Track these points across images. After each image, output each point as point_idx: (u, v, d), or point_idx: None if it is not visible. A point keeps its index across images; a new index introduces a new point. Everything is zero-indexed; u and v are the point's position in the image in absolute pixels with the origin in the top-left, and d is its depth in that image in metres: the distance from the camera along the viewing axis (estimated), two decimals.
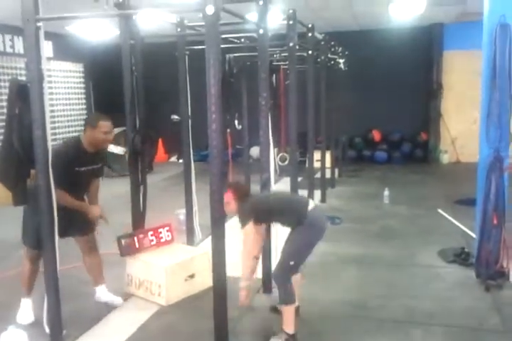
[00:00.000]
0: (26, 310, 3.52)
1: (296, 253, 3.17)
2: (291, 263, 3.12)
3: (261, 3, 3.57)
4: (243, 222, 3.14)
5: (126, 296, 3.86)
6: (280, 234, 3.88)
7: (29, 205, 3.27)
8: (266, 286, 3.88)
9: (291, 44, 4.56)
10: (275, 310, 3.43)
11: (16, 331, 2.92)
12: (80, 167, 3.47)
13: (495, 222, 3.94)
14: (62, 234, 3.33)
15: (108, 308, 3.67)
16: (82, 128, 3.58)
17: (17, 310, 3.53)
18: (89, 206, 3.58)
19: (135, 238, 3.94)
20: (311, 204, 3.24)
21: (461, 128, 10.17)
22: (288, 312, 3.13)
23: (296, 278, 3.30)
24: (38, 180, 2.83)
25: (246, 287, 3.17)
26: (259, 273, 3.91)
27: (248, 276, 3.18)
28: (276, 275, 3.18)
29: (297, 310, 3.34)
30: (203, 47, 2.56)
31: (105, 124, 3.48)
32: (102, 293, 3.76)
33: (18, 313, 3.50)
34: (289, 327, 3.11)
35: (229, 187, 3.24)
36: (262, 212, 3.20)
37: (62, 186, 3.23)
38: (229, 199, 3.18)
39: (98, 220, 3.63)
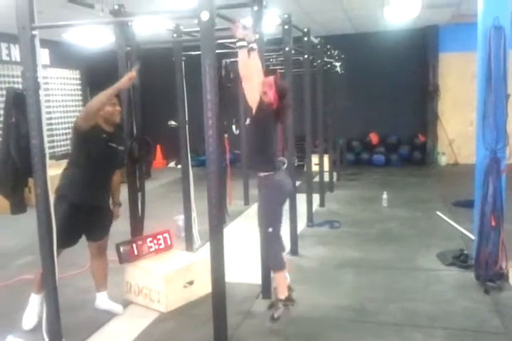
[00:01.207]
0: (33, 308, 3.50)
1: (269, 220, 3.30)
2: (270, 229, 3.26)
3: (256, 8, 3.59)
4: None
5: (126, 303, 3.85)
6: None
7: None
8: (265, 292, 3.87)
9: (287, 48, 4.58)
10: (272, 305, 3.47)
11: (15, 340, 2.91)
12: (109, 142, 3.49)
13: (493, 223, 3.95)
14: (86, 238, 3.61)
15: (107, 316, 3.66)
16: None
17: (15, 320, 3.51)
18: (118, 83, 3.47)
19: (134, 245, 3.93)
20: (284, 166, 3.38)
21: (459, 130, 10.19)
22: (279, 278, 3.31)
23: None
24: (35, 189, 2.82)
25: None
26: (258, 279, 3.91)
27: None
28: (263, 244, 3.36)
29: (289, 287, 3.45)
30: (199, 52, 2.57)
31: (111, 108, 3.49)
32: (103, 301, 3.75)
33: (25, 313, 3.49)
34: (282, 293, 3.30)
35: (272, 73, 3.26)
36: (263, 118, 3.21)
37: (92, 162, 3.35)
38: (268, 87, 3.19)
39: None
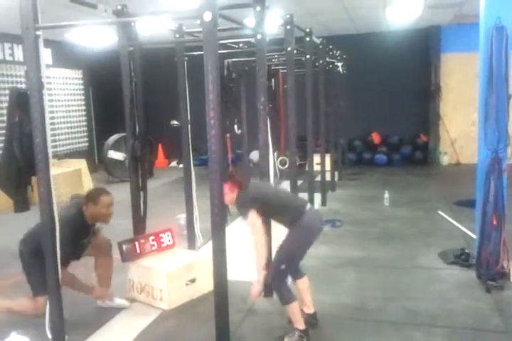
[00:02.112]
0: None
1: (287, 257, 3.19)
2: (283, 267, 3.14)
3: (258, 8, 3.60)
4: (243, 212, 3.12)
5: (129, 301, 3.87)
6: (279, 235, 3.89)
7: (37, 259, 3.22)
8: (267, 290, 3.88)
9: (289, 48, 4.59)
10: (291, 321, 3.34)
11: (19, 337, 2.93)
12: (83, 239, 3.53)
13: (494, 223, 3.96)
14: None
15: (110, 313, 3.68)
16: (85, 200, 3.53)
17: (19, 317, 3.52)
18: (93, 290, 3.60)
19: (136, 243, 3.95)
20: (308, 206, 3.26)
21: (461, 130, 10.19)
22: (292, 310, 3.17)
23: (303, 283, 3.35)
24: (39, 187, 2.84)
25: (262, 280, 3.14)
26: None
27: (263, 267, 3.14)
28: (271, 279, 3.21)
29: (314, 316, 3.39)
30: (202, 52, 2.59)
31: (107, 199, 3.50)
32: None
33: None
34: (299, 323, 3.16)
35: (228, 178, 3.20)
36: (261, 203, 3.16)
37: (66, 256, 3.24)
38: (228, 190, 3.17)
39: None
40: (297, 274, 3.38)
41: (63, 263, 3.15)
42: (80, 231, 3.47)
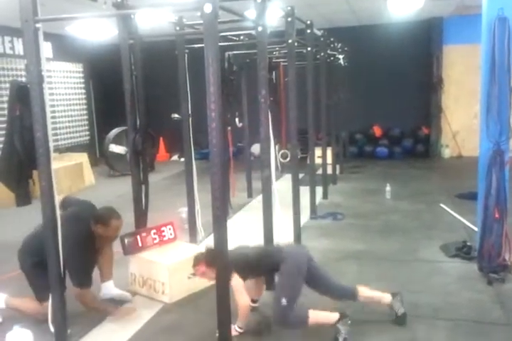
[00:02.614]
0: None
1: (286, 291, 3.16)
2: (283, 302, 3.08)
3: (259, 0, 3.57)
4: None
5: (130, 294, 3.88)
6: (281, 224, 3.90)
7: (39, 268, 3.23)
8: (268, 284, 3.89)
9: (290, 41, 4.56)
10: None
11: (21, 330, 2.94)
12: (94, 249, 3.57)
13: (496, 215, 3.95)
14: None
15: (113, 305, 3.69)
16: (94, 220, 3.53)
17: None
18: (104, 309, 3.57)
19: (138, 237, 3.96)
20: (286, 248, 3.36)
21: (463, 123, 10.16)
22: (314, 321, 3.12)
23: (362, 291, 3.36)
24: (40, 181, 2.84)
25: (242, 327, 3.26)
26: None
27: (244, 321, 3.26)
28: (276, 320, 3.16)
29: (395, 296, 3.38)
30: (202, 45, 2.57)
31: (117, 223, 3.53)
32: (110, 289, 3.79)
33: None
34: (332, 318, 3.13)
35: (199, 260, 3.30)
36: (242, 268, 3.24)
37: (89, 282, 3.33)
38: (203, 270, 3.27)
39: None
40: (345, 292, 3.39)
41: (88, 282, 3.22)
42: (92, 248, 3.52)
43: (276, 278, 3.28)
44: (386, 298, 3.36)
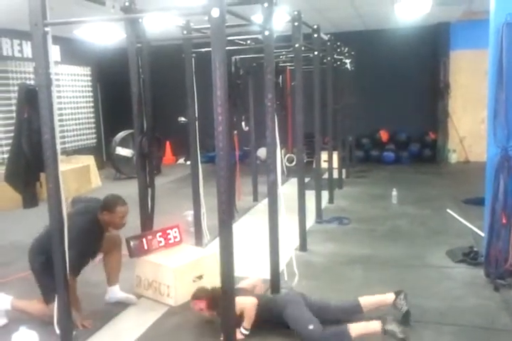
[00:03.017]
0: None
1: (304, 320, 3.18)
2: (311, 327, 3.11)
3: (266, 5, 3.58)
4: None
5: (136, 297, 3.88)
6: (286, 228, 3.89)
7: (48, 270, 3.19)
8: (273, 287, 3.88)
9: (296, 45, 4.57)
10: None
11: (27, 331, 2.95)
12: (97, 246, 3.58)
13: (504, 221, 3.93)
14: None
15: (117, 309, 3.70)
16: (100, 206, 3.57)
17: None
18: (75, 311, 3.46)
19: (144, 239, 3.97)
20: (280, 296, 3.47)
21: (470, 128, 10.12)
22: (358, 333, 3.09)
23: (364, 300, 3.36)
24: (47, 183, 2.86)
25: (248, 329, 3.27)
26: (266, 275, 3.93)
27: (251, 323, 3.26)
28: None
29: (398, 294, 3.38)
30: (210, 49, 2.58)
31: (123, 209, 3.55)
32: (116, 293, 3.80)
33: None
34: (375, 326, 3.09)
35: (201, 296, 3.34)
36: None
37: (78, 271, 3.34)
38: (203, 307, 3.32)
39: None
40: (351, 309, 3.38)
41: (76, 272, 3.20)
42: (96, 239, 3.53)
43: (288, 321, 3.26)
44: (389, 297, 3.37)
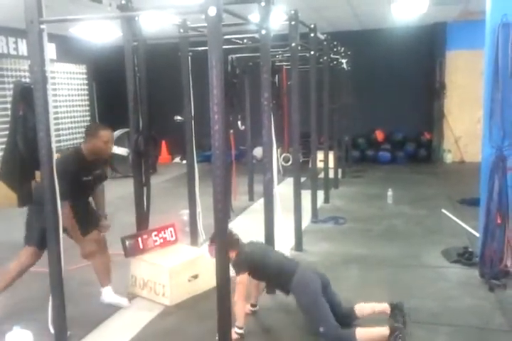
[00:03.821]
0: None
1: (315, 319, 3.14)
2: (321, 330, 3.06)
3: (263, 4, 3.58)
4: (236, 270, 3.25)
5: (131, 297, 3.87)
6: (282, 228, 3.88)
7: (35, 204, 3.27)
8: (269, 287, 3.88)
9: (293, 44, 4.57)
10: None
11: (21, 331, 2.94)
12: (86, 176, 3.53)
13: (498, 221, 3.94)
14: (86, 232, 3.61)
15: (112, 309, 3.68)
16: (83, 135, 3.60)
17: (22, 311, 3.55)
18: (82, 239, 3.56)
19: (139, 239, 3.95)
20: (298, 266, 3.33)
21: (465, 128, 10.15)
22: (368, 338, 3.07)
23: (360, 309, 3.32)
24: (42, 180, 2.84)
25: (241, 334, 3.22)
26: None
27: (243, 321, 3.24)
28: None
29: (394, 307, 3.33)
30: (206, 48, 2.57)
31: (105, 133, 3.53)
32: (108, 295, 3.77)
33: None
34: (383, 332, 3.04)
35: (213, 241, 3.26)
36: (254, 268, 3.30)
37: (70, 196, 3.28)
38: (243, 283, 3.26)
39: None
40: (351, 319, 3.32)
41: (65, 198, 3.09)
42: (79, 168, 3.47)
43: (297, 303, 3.24)
44: (384, 308, 3.30)
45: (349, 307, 3.35)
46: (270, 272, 3.32)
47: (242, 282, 3.25)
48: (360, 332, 3.08)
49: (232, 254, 3.25)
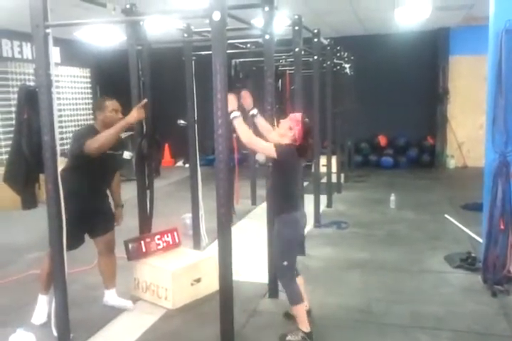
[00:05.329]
0: (42, 307, 3.53)
1: (284, 254, 3.22)
2: (285, 263, 3.18)
3: (267, 9, 3.60)
4: (277, 148, 3.06)
5: (133, 300, 3.87)
6: None
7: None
8: (272, 291, 3.88)
9: (296, 49, 4.59)
10: (288, 315, 3.44)
11: (25, 333, 2.94)
12: (109, 150, 3.47)
13: (502, 227, 3.93)
14: (91, 235, 3.63)
15: (115, 312, 3.68)
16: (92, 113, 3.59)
17: (25, 313, 3.55)
18: (125, 118, 3.46)
19: (142, 242, 3.96)
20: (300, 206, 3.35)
21: (468, 133, 10.14)
22: (299, 311, 3.19)
23: (299, 281, 3.35)
24: (46, 184, 2.86)
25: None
26: (264, 278, 3.93)
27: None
28: (279, 277, 3.33)
29: (309, 312, 3.37)
30: (210, 52, 2.59)
31: (111, 103, 3.53)
32: (112, 298, 3.77)
33: (35, 311, 3.53)
34: (304, 325, 3.17)
35: (302, 118, 3.15)
36: (285, 169, 3.17)
37: (91, 169, 3.36)
38: (293, 126, 3.10)
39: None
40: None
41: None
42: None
43: (275, 231, 3.27)
44: (302, 325, 3.23)
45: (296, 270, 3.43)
46: (287, 183, 3.21)
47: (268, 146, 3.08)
48: (302, 306, 3.21)
49: (290, 133, 3.10)
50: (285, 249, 3.21)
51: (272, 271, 3.82)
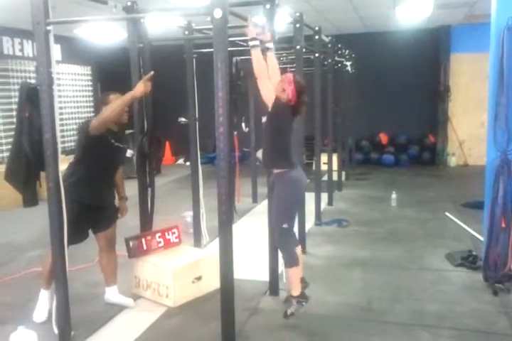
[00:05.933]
0: (44, 303, 3.54)
1: (284, 216, 3.25)
2: (285, 225, 3.22)
3: (268, 6, 3.59)
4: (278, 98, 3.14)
5: (134, 298, 3.87)
6: None
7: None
8: (273, 289, 3.88)
9: (298, 47, 4.57)
10: (286, 315, 3.38)
11: (26, 331, 2.94)
12: (116, 141, 3.51)
13: (503, 225, 3.93)
14: (93, 231, 3.62)
15: (116, 310, 3.69)
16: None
17: (26, 311, 3.55)
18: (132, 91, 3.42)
19: (143, 240, 3.96)
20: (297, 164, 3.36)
21: (469, 131, 10.14)
22: (293, 274, 3.25)
23: (297, 252, 3.40)
24: (47, 182, 2.85)
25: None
26: (265, 276, 3.93)
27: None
28: (277, 240, 3.35)
29: (302, 279, 3.41)
30: (211, 50, 2.58)
31: (115, 97, 3.52)
32: (113, 295, 3.77)
33: (36, 308, 3.53)
34: (295, 289, 3.23)
35: (294, 78, 3.18)
36: (281, 126, 3.22)
37: (99, 160, 3.38)
38: (288, 84, 3.13)
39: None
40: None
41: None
42: (107, 131, 3.45)
43: (275, 193, 3.29)
44: (295, 290, 3.32)
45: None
46: (281, 139, 3.23)
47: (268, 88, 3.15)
48: (297, 269, 3.27)
49: (287, 88, 3.13)
50: (285, 210, 3.24)
51: (272, 268, 3.82)
